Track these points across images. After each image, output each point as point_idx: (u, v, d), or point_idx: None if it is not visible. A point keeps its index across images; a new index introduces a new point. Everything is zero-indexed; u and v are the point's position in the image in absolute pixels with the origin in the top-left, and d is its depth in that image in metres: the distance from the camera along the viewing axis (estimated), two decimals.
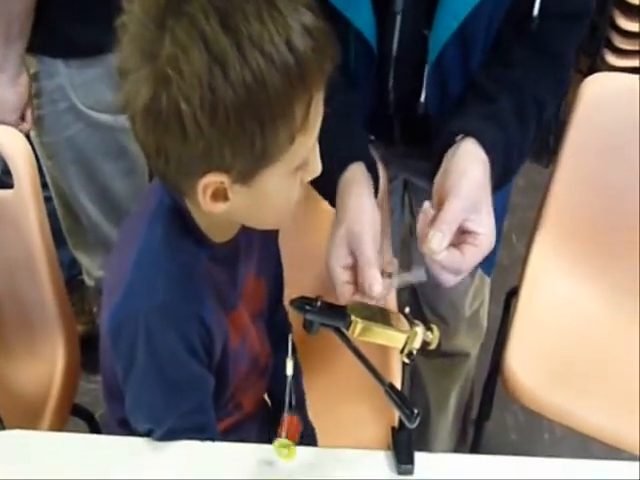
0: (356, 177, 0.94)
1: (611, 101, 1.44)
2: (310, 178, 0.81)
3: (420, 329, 0.82)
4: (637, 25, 2.32)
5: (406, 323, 0.83)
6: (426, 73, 1.00)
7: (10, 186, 1.24)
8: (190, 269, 0.84)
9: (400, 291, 1.36)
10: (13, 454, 0.91)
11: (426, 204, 0.87)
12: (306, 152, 0.75)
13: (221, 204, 0.75)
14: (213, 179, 0.71)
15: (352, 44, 0.99)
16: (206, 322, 0.84)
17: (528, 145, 1.01)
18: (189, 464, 0.89)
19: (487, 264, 1.27)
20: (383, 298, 0.86)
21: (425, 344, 0.82)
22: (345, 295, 0.86)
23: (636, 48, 2.39)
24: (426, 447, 1.61)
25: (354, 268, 0.87)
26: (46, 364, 1.29)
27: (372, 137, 1.11)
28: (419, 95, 1.03)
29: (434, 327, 0.84)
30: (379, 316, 0.83)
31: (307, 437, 1.09)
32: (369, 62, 1.01)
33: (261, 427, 1.09)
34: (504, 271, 1.56)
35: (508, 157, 0.95)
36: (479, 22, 0.96)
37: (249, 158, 0.70)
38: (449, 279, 0.86)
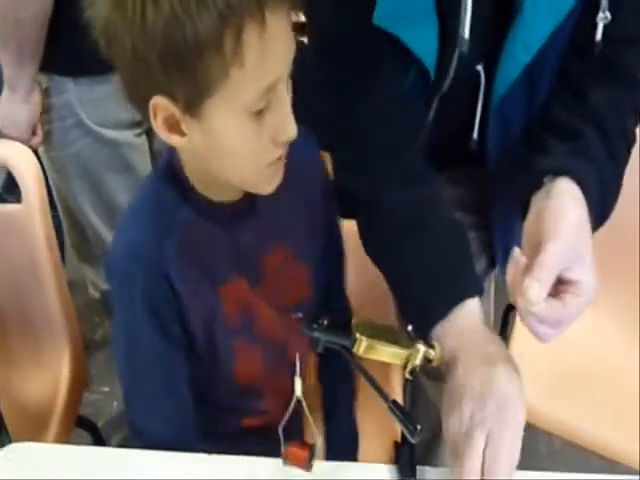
0: (477, 318, 0.88)
1: None
2: (284, 139, 0.78)
3: (422, 346, 0.84)
4: None
5: (409, 341, 0.85)
6: (480, 110, 0.96)
7: (9, 202, 1.27)
8: (166, 221, 0.84)
9: None
10: (21, 467, 0.92)
11: (516, 251, 0.80)
12: (255, 93, 0.73)
13: (178, 137, 0.76)
14: (159, 102, 0.73)
15: (410, 79, 0.95)
16: (167, 271, 0.83)
17: (620, 179, 0.95)
18: (195, 477, 0.90)
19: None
20: None
21: (427, 361, 0.84)
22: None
23: None
24: (436, 463, 1.60)
25: None
26: (52, 375, 1.31)
27: None
28: (467, 130, 0.99)
29: (436, 345, 0.85)
30: (383, 334, 0.85)
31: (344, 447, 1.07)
32: (422, 96, 0.97)
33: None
34: (502, 285, 1.57)
35: (604, 193, 0.90)
36: (548, 54, 0.92)
37: (184, 83, 0.71)
38: (548, 333, 0.80)
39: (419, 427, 0.78)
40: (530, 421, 1.29)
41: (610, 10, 0.89)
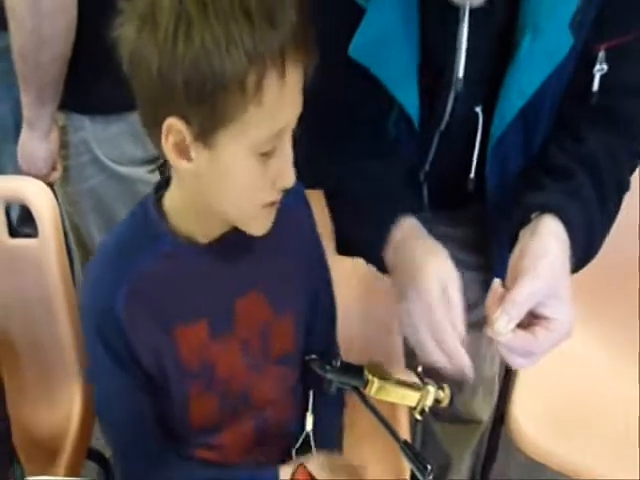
0: (420, 229, 0.93)
1: None
2: (283, 185, 0.82)
3: (432, 388, 0.86)
4: None
5: (419, 382, 0.87)
6: (477, 150, 0.98)
7: (25, 235, 1.30)
8: (124, 265, 0.88)
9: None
10: None
11: (496, 281, 0.84)
12: (266, 134, 0.77)
13: (185, 162, 0.78)
14: (174, 124, 0.75)
15: (394, 114, 0.99)
16: (116, 313, 0.87)
17: (609, 225, 0.98)
18: None
19: None
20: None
21: (437, 402, 0.86)
22: (452, 337, 0.83)
23: None
24: None
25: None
26: (63, 406, 1.33)
27: None
28: (465, 170, 1.01)
29: (446, 386, 0.87)
30: (393, 375, 0.87)
31: None
32: (409, 135, 1.00)
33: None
34: None
35: (590, 237, 0.92)
36: (544, 99, 0.95)
37: (202, 111, 0.74)
38: (518, 362, 0.84)
39: (430, 467, 0.80)
40: (536, 459, 1.32)
41: (608, 62, 0.93)
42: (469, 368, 0.84)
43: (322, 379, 0.86)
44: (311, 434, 0.88)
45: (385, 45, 0.91)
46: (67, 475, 1.22)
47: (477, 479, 1.69)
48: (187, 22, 0.71)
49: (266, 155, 0.78)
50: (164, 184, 0.90)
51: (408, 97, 0.95)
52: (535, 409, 1.36)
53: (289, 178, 0.81)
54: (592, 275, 1.53)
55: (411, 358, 1.35)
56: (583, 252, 0.90)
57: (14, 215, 1.60)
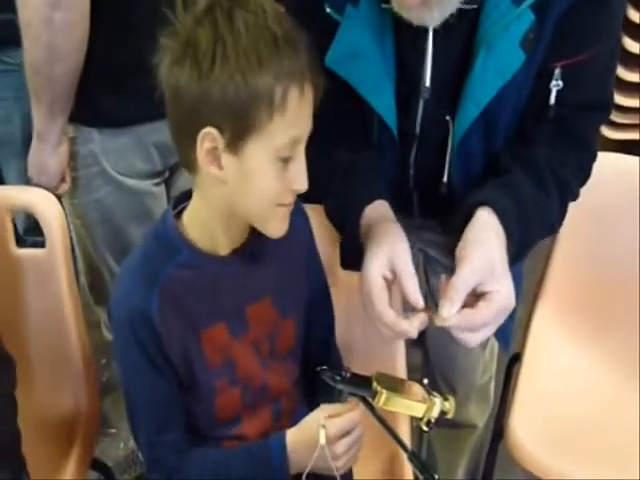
0: (388, 213, 1.03)
1: (610, 179, 1.50)
2: (298, 188, 0.90)
3: (438, 400, 0.88)
4: (633, 100, 2.44)
5: (425, 393, 0.89)
6: (449, 155, 1.06)
7: (31, 245, 1.33)
8: (152, 276, 0.94)
9: (413, 359, 1.41)
10: None
11: (443, 277, 0.93)
12: (287, 140, 0.86)
13: (216, 169, 0.87)
14: (209, 132, 0.84)
15: (375, 124, 1.07)
16: (150, 316, 0.93)
17: (552, 215, 1.06)
18: None
19: (505, 339, 1.32)
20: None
21: (443, 413, 0.88)
22: (382, 300, 0.93)
23: (630, 122, 2.50)
24: None
25: (389, 286, 0.94)
26: (69, 415, 1.35)
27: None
28: (441, 174, 1.09)
29: (450, 397, 0.90)
30: (400, 387, 0.89)
31: None
32: (390, 142, 1.09)
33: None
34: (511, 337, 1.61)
35: (525, 224, 1.00)
36: (502, 109, 1.03)
37: (235, 120, 0.83)
38: (469, 338, 0.91)
39: (437, 476, 0.82)
40: (535, 474, 1.34)
41: (563, 78, 1.01)
42: (413, 331, 0.91)
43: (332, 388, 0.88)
44: (326, 448, 0.90)
45: (360, 57, 1.02)
46: None
47: None
48: (223, 47, 0.81)
49: (285, 161, 0.87)
50: (182, 199, 0.98)
51: (384, 105, 1.05)
52: (533, 423, 1.37)
53: (303, 182, 0.90)
54: (592, 291, 1.57)
55: (414, 371, 1.39)
56: (520, 240, 0.98)
57: (19, 224, 1.62)
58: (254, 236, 0.98)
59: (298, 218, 1.01)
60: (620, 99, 2.45)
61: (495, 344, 1.38)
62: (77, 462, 1.27)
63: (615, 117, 2.48)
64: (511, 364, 1.59)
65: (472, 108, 1.01)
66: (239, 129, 0.84)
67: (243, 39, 0.81)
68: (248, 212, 0.93)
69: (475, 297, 0.91)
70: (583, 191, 1.48)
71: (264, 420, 1.07)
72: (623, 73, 2.41)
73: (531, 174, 1.03)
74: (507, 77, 0.98)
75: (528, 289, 1.61)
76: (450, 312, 0.88)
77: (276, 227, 0.94)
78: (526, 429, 1.35)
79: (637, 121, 2.49)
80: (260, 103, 0.82)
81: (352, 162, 1.10)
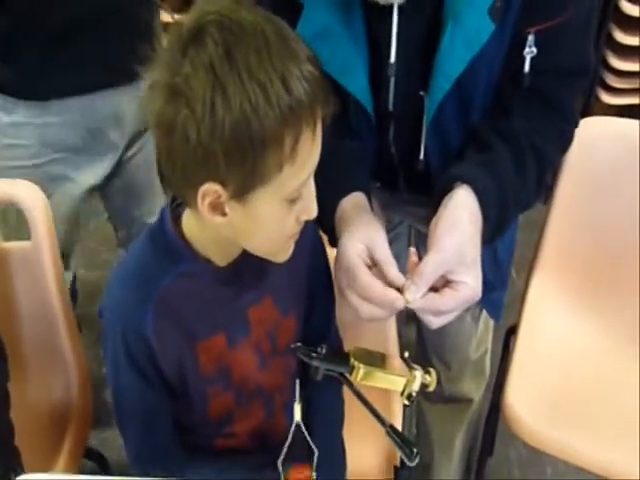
0: (362, 204, 1.00)
1: (606, 143, 1.50)
2: (307, 218, 0.86)
3: (419, 373, 0.87)
4: (631, 65, 2.39)
5: (405, 367, 0.88)
6: (424, 131, 1.04)
7: None
8: (148, 288, 0.90)
9: (404, 334, 1.40)
10: None
11: (411, 250, 0.92)
12: (297, 184, 0.81)
13: (219, 217, 0.81)
14: (211, 188, 0.78)
15: (351, 105, 1.04)
16: (145, 335, 0.90)
17: (528, 194, 1.04)
18: None
19: (494, 310, 1.31)
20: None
21: (424, 387, 0.87)
22: (366, 272, 0.90)
23: (629, 86, 2.45)
24: None
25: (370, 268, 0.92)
26: (61, 408, 1.34)
27: (378, 184, 1.16)
28: (419, 151, 1.07)
29: (432, 370, 0.88)
30: (380, 361, 0.88)
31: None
32: (367, 122, 1.06)
33: (257, 459, 1.08)
34: (504, 308, 1.60)
35: (503, 206, 0.98)
36: (476, 81, 1.00)
37: (241, 174, 0.76)
38: (430, 321, 0.91)
39: (416, 450, 0.80)
40: (533, 444, 1.33)
41: (537, 45, 0.98)
42: (399, 302, 0.89)
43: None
44: (302, 424, 0.88)
45: (328, 37, 0.97)
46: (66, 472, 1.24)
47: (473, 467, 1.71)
48: (222, 90, 0.72)
49: (294, 200, 0.83)
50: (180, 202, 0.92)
51: (357, 85, 1.01)
52: (530, 395, 1.35)
53: (312, 211, 0.86)
54: (590, 259, 1.55)
55: (408, 348, 1.37)
56: (496, 219, 0.96)
57: None
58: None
59: None
60: (618, 63, 2.40)
61: (484, 313, 1.36)
62: (70, 453, 1.27)
63: (613, 82, 2.44)
64: (508, 336, 1.57)
65: (443, 82, 0.98)
66: (244, 182, 0.77)
67: (244, 78, 0.72)
68: (255, 249, 0.89)
69: (443, 280, 0.91)
70: (578, 157, 1.47)
71: (257, 418, 1.06)
72: (621, 37, 2.37)
73: (511, 152, 1.01)
74: (476, 48, 0.95)
75: (527, 259, 1.60)
76: (414, 297, 0.88)
77: (283, 256, 0.91)
78: (523, 401, 1.34)
79: (636, 85, 2.45)
80: (267, 154, 0.75)
81: (331, 151, 1.06)
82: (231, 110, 0.72)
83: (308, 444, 0.87)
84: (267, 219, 0.83)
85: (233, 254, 0.94)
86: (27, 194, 1.29)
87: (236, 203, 0.80)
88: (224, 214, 0.81)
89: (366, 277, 0.91)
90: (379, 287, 0.90)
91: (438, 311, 0.90)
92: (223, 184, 0.77)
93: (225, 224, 0.82)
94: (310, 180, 0.84)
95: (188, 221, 0.91)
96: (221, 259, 0.93)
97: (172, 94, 0.74)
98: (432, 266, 0.89)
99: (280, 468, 0.87)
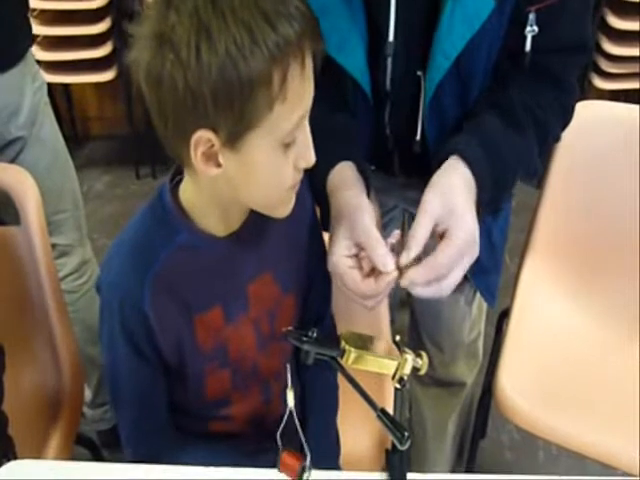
0: (348, 178, 0.99)
1: (599, 127, 1.50)
2: (304, 165, 0.85)
3: (410, 356, 0.86)
4: (624, 49, 2.39)
5: (396, 351, 0.88)
6: (421, 111, 1.03)
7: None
8: (148, 261, 0.89)
9: (398, 319, 1.39)
10: None
11: (396, 231, 0.92)
12: (289, 126, 0.79)
13: (214, 168, 0.80)
14: (203, 136, 0.77)
15: (348, 83, 1.04)
16: (143, 311, 0.89)
17: (531, 156, 1.03)
18: None
19: (489, 295, 1.30)
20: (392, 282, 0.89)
21: (415, 370, 0.87)
22: (355, 279, 0.90)
23: (623, 71, 2.45)
24: (423, 470, 1.64)
25: (358, 259, 0.92)
26: (52, 395, 1.34)
27: (373, 167, 1.14)
28: (416, 132, 1.06)
29: (423, 354, 0.87)
30: (370, 345, 0.87)
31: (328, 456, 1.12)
32: (364, 102, 1.05)
33: (253, 445, 1.09)
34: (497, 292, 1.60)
35: (499, 169, 0.97)
36: (475, 59, 1.00)
37: (231, 118, 0.75)
38: (440, 288, 0.89)
39: (407, 434, 0.80)
40: (525, 428, 1.33)
41: (538, 23, 0.98)
42: (392, 275, 0.89)
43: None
44: (294, 410, 0.87)
45: (327, 14, 0.93)
46: (58, 458, 1.24)
47: (466, 450, 1.71)
48: (207, 34, 0.72)
49: (289, 145, 0.81)
50: (179, 172, 0.91)
51: (354, 63, 1.01)
52: (522, 378, 1.35)
53: (310, 158, 0.84)
54: (583, 242, 1.55)
55: (402, 332, 1.37)
56: (492, 187, 0.96)
57: None
58: (253, 217, 0.93)
59: (302, 189, 0.95)
60: (612, 48, 2.40)
61: (478, 295, 1.35)
62: (62, 438, 1.27)
63: (606, 67, 2.44)
64: (501, 319, 1.57)
65: (442, 61, 0.98)
66: (236, 126, 0.76)
67: (229, 20, 0.72)
68: (255, 202, 0.88)
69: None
70: (573, 139, 1.46)
71: (254, 402, 1.06)
72: (615, 21, 2.37)
73: (504, 115, 1.00)
74: (476, 27, 0.95)
75: (520, 243, 1.59)
76: (409, 257, 0.87)
77: (284, 210, 0.89)
78: (515, 385, 1.34)
79: (629, 70, 2.44)
80: (257, 94, 0.74)
81: (322, 125, 1.06)
82: (217, 53, 0.72)
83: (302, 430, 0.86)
84: (263, 166, 0.81)
85: (232, 224, 0.93)
86: (16, 179, 1.28)
87: (229, 152, 0.79)
88: (219, 165, 0.80)
89: (353, 286, 0.91)
90: (370, 285, 0.90)
91: (440, 270, 0.88)
92: (215, 130, 0.76)
93: (221, 177, 0.81)
94: (304, 124, 0.82)
95: (186, 190, 0.90)
96: (220, 229, 0.92)
97: (159, 44, 0.74)
98: (419, 224, 0.88)
99: (279, 443, 0.86)
